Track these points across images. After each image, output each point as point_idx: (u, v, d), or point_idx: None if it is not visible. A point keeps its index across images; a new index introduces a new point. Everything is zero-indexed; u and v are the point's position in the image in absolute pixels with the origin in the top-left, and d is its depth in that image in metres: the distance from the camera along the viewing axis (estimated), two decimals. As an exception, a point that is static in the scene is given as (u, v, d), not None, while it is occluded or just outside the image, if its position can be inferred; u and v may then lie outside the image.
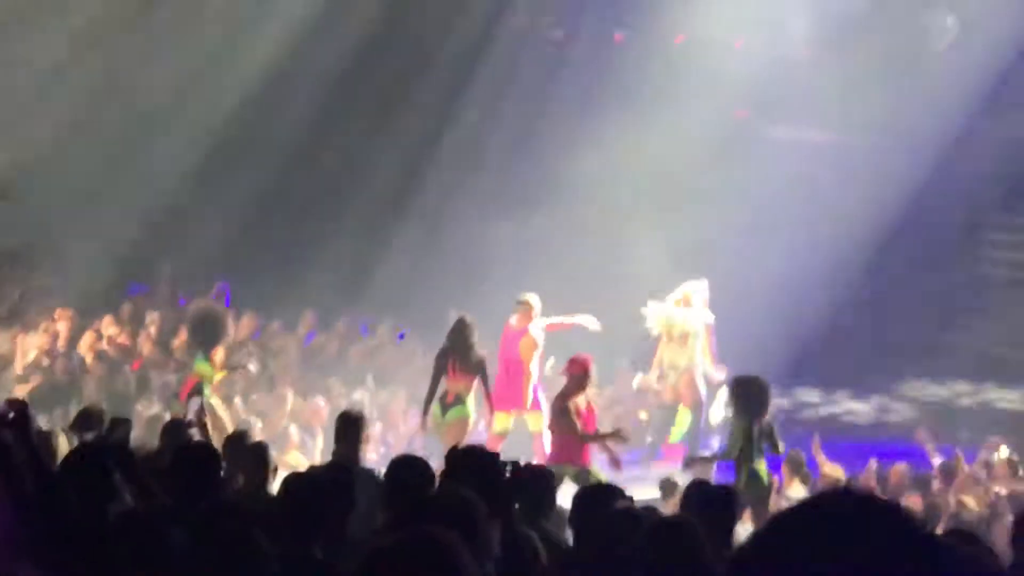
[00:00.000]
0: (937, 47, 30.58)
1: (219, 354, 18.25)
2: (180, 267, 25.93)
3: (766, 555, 2.52)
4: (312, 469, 10.89)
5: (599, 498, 8.83)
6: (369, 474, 10.95)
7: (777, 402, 17.75)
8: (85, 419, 13.02)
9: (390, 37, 28.36)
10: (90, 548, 7.00)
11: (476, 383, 18.33)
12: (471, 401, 18.25)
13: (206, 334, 18.40)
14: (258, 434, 15.81)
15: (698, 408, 20.94)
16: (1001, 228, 29.02)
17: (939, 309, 26.52)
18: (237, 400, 19.12)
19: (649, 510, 9.61)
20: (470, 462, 8.83)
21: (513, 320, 19.48)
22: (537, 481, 9.55)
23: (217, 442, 13.57)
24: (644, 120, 27.85)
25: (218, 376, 18.30)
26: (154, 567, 6.65)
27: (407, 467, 9.16)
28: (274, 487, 9.83)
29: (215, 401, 18.07)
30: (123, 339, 21.97)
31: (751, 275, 21.96)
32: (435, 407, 18.18)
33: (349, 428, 11.78)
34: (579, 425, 16.53)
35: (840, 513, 2.50)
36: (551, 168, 28.36)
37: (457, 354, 18.21)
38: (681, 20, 29.53)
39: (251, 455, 10.61)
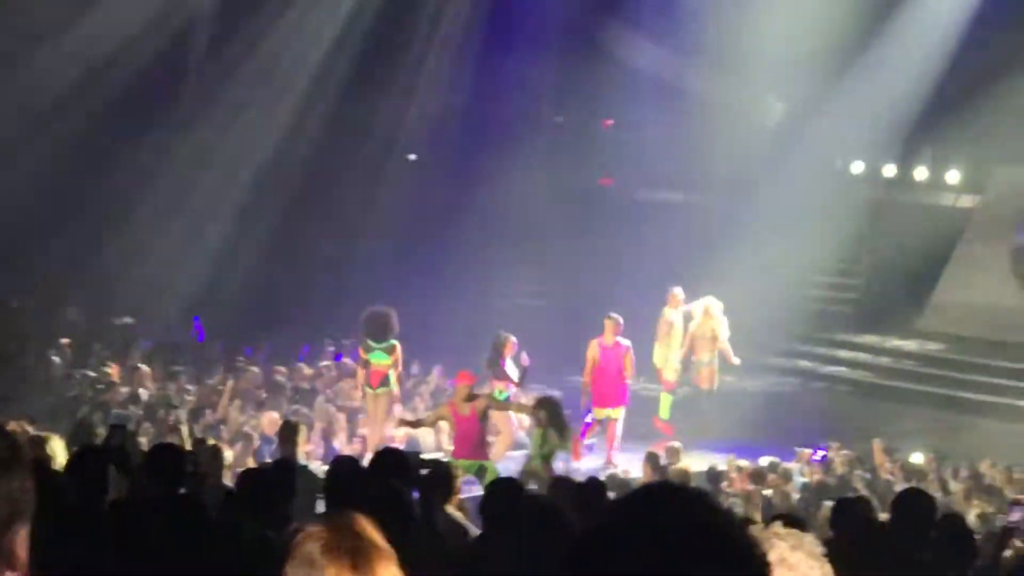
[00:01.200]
0: (767, 124, 31.33)
1: (398, 349, 19.44)
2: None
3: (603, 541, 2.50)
4: (261, 465, 10.98)
5: (510, 489, 8.94)
6: (307, 470, 11.09)
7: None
8: (79, 430, 13.32)
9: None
10: (90, 529, 7.11)
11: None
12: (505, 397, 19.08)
13: (381, 330, 19.40)
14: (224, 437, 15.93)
15: (713, 392, 22.34)
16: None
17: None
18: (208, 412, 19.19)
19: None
20: (392, 460, 9.00)
21: (605, 337, 20.35)
22: (443, 475, 9.66)
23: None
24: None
25: (398, 367, 19.63)
26: (140, 545, 6.75)
27: (343, 465, 9.32)
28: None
29: (396, 388, 19.55)
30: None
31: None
32: None
33: (289, 433, 11.88)
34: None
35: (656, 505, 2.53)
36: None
37: (492, 363, 19.30)
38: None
39: (209, 454, 10.71)
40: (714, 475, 16.74)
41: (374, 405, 19.43)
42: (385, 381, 19.38)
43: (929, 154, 30.73)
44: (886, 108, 28.79)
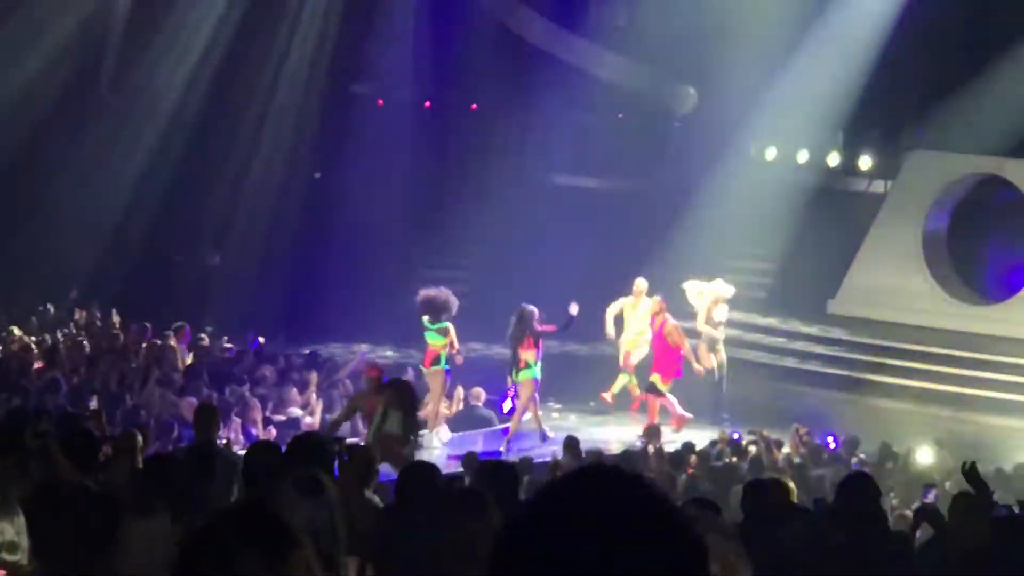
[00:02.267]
0: (681, 111, 31.50)
1: (451, 329, 19.81)
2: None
3: (537, 522, 2.48)
4: (175, 450, 10.84)
5: (424, 472, 8.96)
6: (225, 454, 10.96)
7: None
8: (9, 417, 13.15)
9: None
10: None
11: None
12: (537, 366, 19.96)
13: (435, 311, 19.83)
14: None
15: (722, 368, 22.80)
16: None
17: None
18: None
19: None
20: (311, 446, 8.92)
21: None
22: (362, 459, 9.62)
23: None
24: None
25: (454, 347, 19.92)
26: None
27: (261, 450, 9.22)
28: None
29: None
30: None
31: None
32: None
33: (205, 417, 11.69)
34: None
35: (593, 486, 2.51)
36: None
37: (522, 333, 19.83)
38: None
39: (124, 440, 10.58)
40: (631, 458, 16.66)
41: (431, 383, 19.95)
42: (437, 360, 19.86)
43: (841, 140, 30.93)
44: (799, 95, 28.94)
